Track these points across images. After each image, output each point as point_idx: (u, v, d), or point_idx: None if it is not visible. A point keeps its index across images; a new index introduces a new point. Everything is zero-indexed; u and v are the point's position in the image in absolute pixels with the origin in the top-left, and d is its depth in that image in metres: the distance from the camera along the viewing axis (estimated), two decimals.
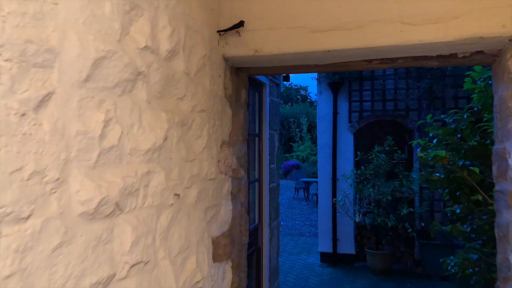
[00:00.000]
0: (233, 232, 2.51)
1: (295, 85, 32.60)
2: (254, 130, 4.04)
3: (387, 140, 6.75)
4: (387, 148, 6.68)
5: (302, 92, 32.51)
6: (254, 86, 3.94)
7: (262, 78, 4.02)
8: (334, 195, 7.25)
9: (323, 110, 7.55)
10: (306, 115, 22.76)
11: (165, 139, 1.60)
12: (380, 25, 2.05)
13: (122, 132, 1.31)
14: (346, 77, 7.30)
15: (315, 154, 9.90)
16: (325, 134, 7.48)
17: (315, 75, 7.84)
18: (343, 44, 2.09)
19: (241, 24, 2.16)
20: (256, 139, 4.09)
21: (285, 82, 5.46)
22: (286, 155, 22.79)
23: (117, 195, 1.28)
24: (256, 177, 4.09)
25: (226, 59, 2.31)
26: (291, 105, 27.69)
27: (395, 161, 6.59)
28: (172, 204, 1.67)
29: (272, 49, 2.19)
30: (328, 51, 2.13)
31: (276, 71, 2.61)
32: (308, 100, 29.97)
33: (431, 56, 2.29)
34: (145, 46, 1.44)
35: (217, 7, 2.18)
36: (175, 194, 1.69)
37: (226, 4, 2.22)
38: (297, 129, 22.58)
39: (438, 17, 1.97)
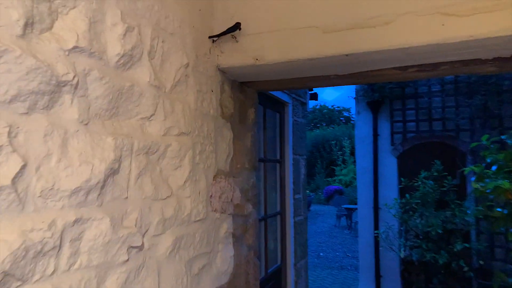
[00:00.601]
0: (236, 284, 2.04)
1: (338, 107, 31.89)
2: (274, 156, 3.56)
3: (435, 165, 5.98)
4: (435, 174, 5.90)
5: (345, 114, 31.67)
6: (274, 105, 3.49)
7: (283, 97, 3.56)
8: (376, 226, 6.52)
9: (362, 132, 6.93)
10: (348, 137, 21.90)
11: (114, 172, 1.19)
12: (413, 19, 1.56)
13: (24, 166, 0.91)
14: (386, 95, 6.67)
15: None
16: (365, 158, 6.83)
17: (353, 94, 7.26)
18: (366, 46, 1.62)
19: (237, 27, 1.75)
20: (277, 165, 3.60)
21: (312, 101, 4.97)
22: (328, 179, 21.91)
23: (7, 261, 0.86)
24: (278, 209, 3.58)
25: (222, 71, 1.90)
26: (333, 127, 26.91)
27: (445, 188, 5.79)
28: (127, 261, 1.24)
29: (276, 56, 1.75)
30: (346, 55, 1.67)
31: (289, 84, 2.17)
32: (352, 121, 29.11)
33: (486, 59, 1.76)
34: (75, 47, 1.06)
35: (208, 7, 1.79)
36: (132, 247, 1.26)
37: (220, 4, 1.82)
38: (339, 152, 21.72)
39: (494, 3, 1.45)
